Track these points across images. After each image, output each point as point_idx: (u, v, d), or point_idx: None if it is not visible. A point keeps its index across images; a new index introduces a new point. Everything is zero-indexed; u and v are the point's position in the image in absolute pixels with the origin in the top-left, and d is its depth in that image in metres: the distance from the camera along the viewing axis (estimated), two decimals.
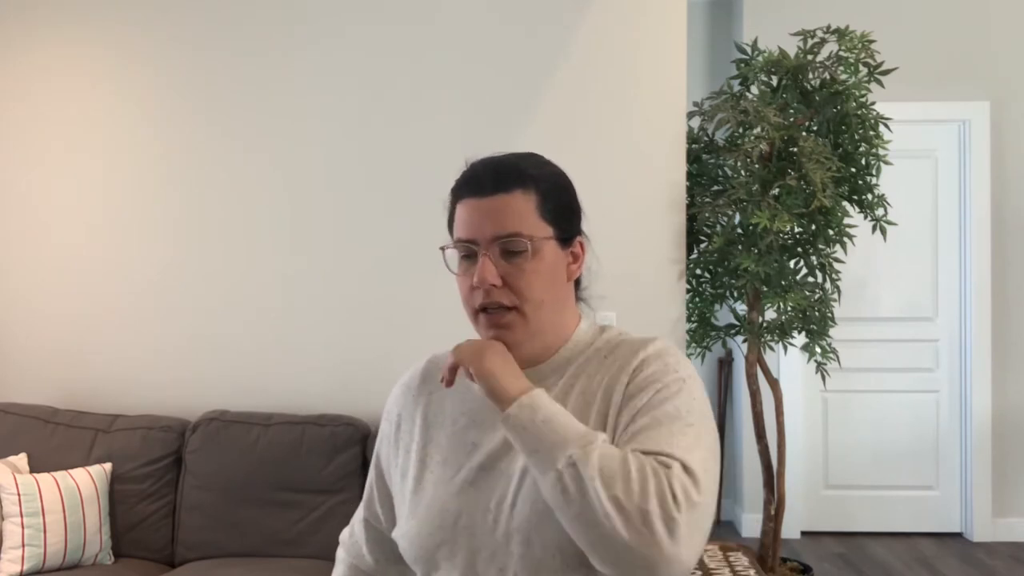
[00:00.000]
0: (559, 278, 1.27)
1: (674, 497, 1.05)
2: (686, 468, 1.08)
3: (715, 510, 1.17)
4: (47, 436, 3.14)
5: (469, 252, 1.25)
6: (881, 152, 3.35)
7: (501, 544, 1.21)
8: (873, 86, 3.33)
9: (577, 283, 1.36)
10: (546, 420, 1.12)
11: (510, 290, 1.23)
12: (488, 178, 1.25)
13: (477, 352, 1.20)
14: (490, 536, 1.22)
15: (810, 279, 3.37)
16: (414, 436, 1.35)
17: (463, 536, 1.23)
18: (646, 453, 1.10)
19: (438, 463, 1.30)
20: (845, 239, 3.32)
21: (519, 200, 1.24)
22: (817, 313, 3.32)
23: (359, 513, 1.49)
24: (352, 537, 1.51)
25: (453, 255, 1.28)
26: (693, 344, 3.58)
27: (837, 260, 3.37)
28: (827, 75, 3.31)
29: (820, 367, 3.42)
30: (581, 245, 1.31)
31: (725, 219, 3.34)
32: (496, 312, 1.23)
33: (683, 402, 1.18)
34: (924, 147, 4.91)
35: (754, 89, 3.47)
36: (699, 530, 1.08)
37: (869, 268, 4.81)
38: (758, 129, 3.20)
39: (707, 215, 3.30)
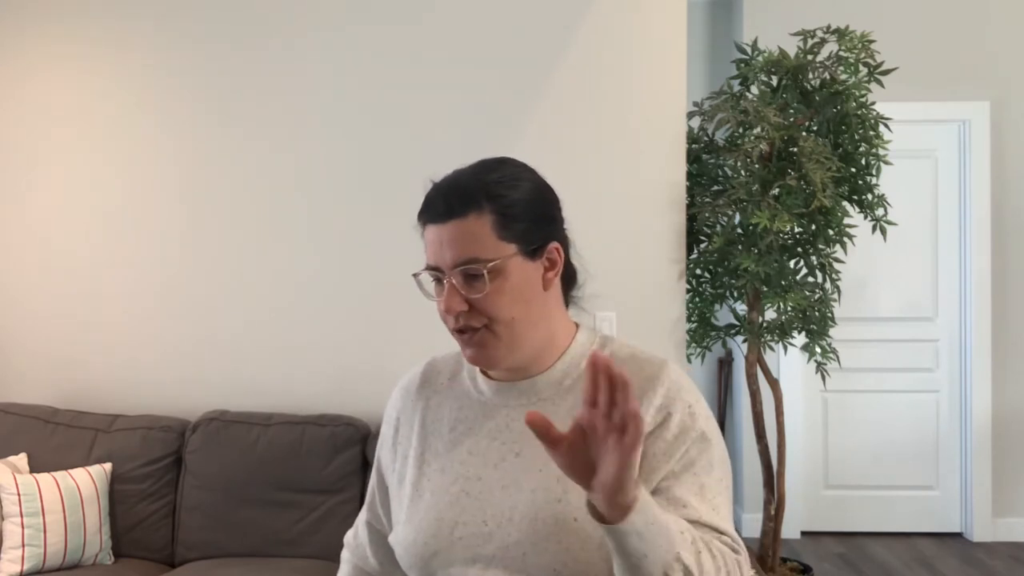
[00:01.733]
0: (531, 291, 1.25)
1: None
2: (737, 543, 1.19)
3: None
4: (47, 436, 3.14)
5: (437, 278, 1.25)
6: (881, 152, 3.35)
7: (496, 557, 1.21)
8: (873, 86, 3.33)
9: (570, 284, 1.34)
10: (654, 521, 1.06)
11: (479, 312, 1.23)
12: (442, 203, 1.23)
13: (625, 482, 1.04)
14: (484, 548, 1.22)
15: (810, 279, 3.37)
16: (412, 441, 1.35)
17: (458, 546, 1.23)
18: (701, 525, 1.17)
19: (436, 471, 1.30)
20: (845, 239, 3.32)
21: (473, 224, 1.21)
22: (817, 313, 3.32)
23: (362, 515, 1.49)
24: (356, 539, 1.51)
25: (427, 278, 1.28)
26: (693, 344, 3.58)
27: (837, 260, 3.36)
28: (827, 75, 3.31)
29: (820, 367, 3.41)
30: (557, 251, 1.28)
31: (725, 219, 3.34)
32: (469, 332, 1.24)
33: (712, 454, 1.23)
34: (924, 147, 4.91)
35: (754, 89, 3.47)
36: None
37: (869, 268, 4.81)
38: (758, 129, 3.20)
39: (707, 215, 3.29)
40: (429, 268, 1.25)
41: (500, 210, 1.22)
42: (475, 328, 1.23)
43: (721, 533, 1.18)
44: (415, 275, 1.30)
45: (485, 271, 1.20)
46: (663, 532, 1.06)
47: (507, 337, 1.23)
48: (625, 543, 1.04)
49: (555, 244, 1.28)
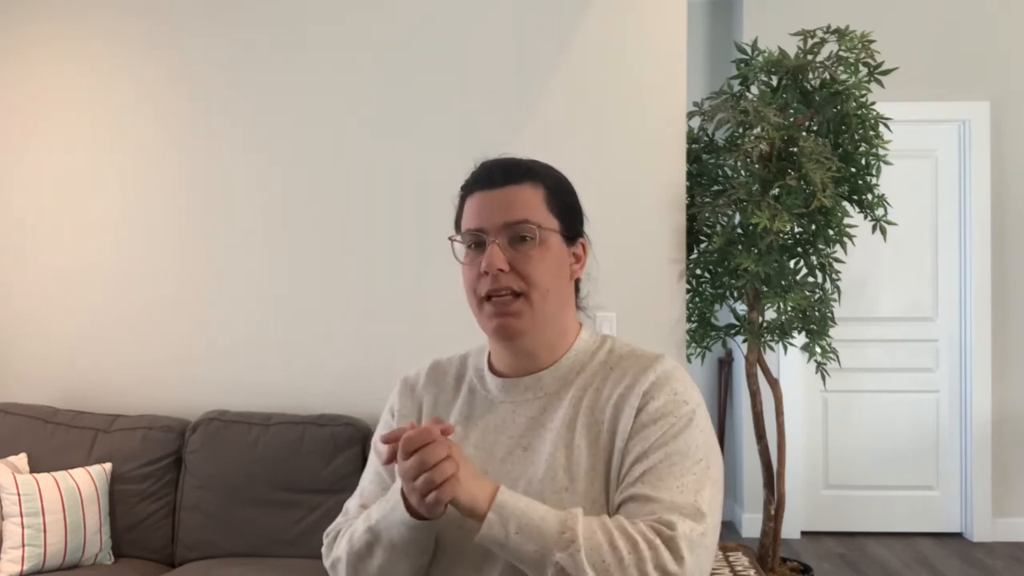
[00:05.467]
0: (563, 273, 1.30)
1: (679, 559, 1.11)
2: (693, 516, 1.15)
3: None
4: (47, 436, 3.14)
5: (477, 241, 1.28)
6: (881, 152, 3.35)
7: None
8: (873, 86, 3.33)
9: (577, 290, 1.38)
10: (519, 530, 1.12)
11: (517, 275, 1.25)
12: (499, 172, 1.30)
13: (442, 492, 1.12)
14: None
15: (810, 279, 3.37)
16: None
17: (467, 542, 1.23)
18: (652, 501, 1.15)
19: None
20: (845, 239, 3.32)
21: (528, 191, 1.28)
22: (817, 313, 3.32)
23: (354, 500, 1.40)
24: (348, 521, 1.42)
25: (460, 249, 1.32)
26: (693, 344, 3.58)
27: (837, 260, 3.37)
28: (827, 75, 3.31)
29: (820, 367, 3.41)
30: (584, 247, 1.35)
31: (725, 219, 3.34)
32: (502, 300, 1.25)
33: (692, 437, 1.22)
34: (924, 147, 4.91)
35: (754, 89, 3.47)
36: (707, 560, 1.16)
37: (869, 268, 4.81)
38: (758, 129, 3.20)
39: (707, 215, 3.30)
40: (470, 231, 1.28)
41: (551, 187, 1.31)
42: (511, 293, 1.25)
43: (676, 511, 1.14)
44: (451, 239, 1.33)
45: (537, 231, 1.26)
46: (533, 537, 1.12)
47: (539, 308, 1.26)
48: (493, 550, 1.16)
49: (583, 240, 1.35)
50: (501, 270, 1.24)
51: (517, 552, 1.13)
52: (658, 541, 1.12)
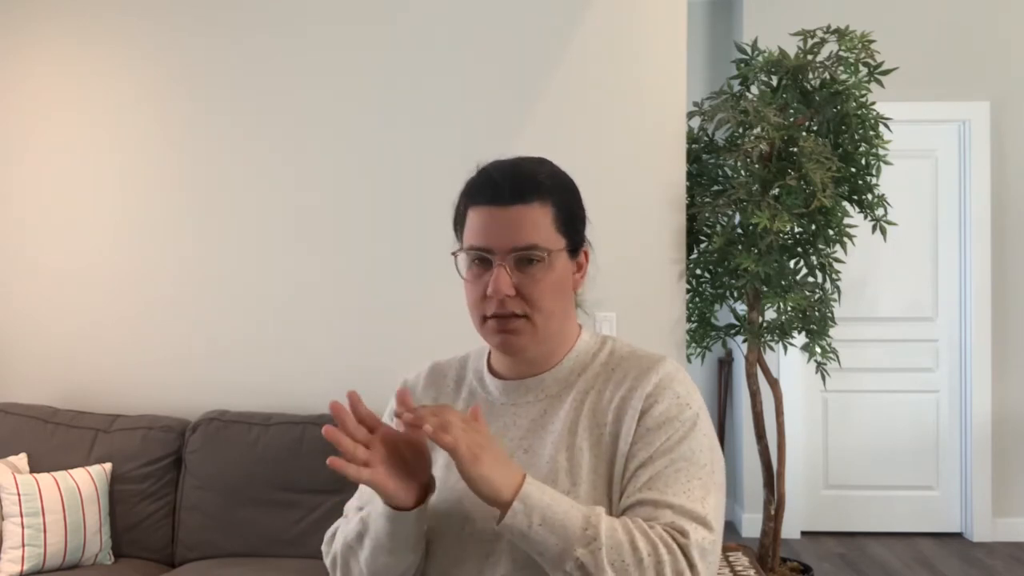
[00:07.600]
0: (566, 288, 1.29)
1: (691, 566, 1.12)
2: (704, 523, 1.15)
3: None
4: (47, 436, 3.14)
5: (482, 259, 1.25)
6: (881, 152, 3.35)
7: (507, 552, 1.21)
8: (873, 86, 3.33)
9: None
10: (543, 522, 1.11)
11: (522, 299, 1.23)
12: (506, 186, 1.24)
13: (474, 456, 1.11)
14: (496, 543, 1.22)
15: (810, 279, 3.37)
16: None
17: (469, 542, 1.24)
18: (662, 506, 1.15)
19: (441, 467, 1.30)
20: (845, 239, 3.32)
21: (537, 212, 1.24)
22: (817, 313, 3.32)
23: (353, 503, 1.41)
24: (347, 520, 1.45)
25: (462, 260, 1.28)
26: (693, 344, 3.58)
27: (837, 260, 3.37)
28: (827, 75, 3.31)
29: (820, 367, 3.42)
30: (586, 254, 1.33)
31: (725, 219, 3.35)
32: (505, 318, 1.24)
33: (697, 442, 1.21)
34: (924, 147, 4.91)
35: (754, 89, 3.47)
36: (715, 568, 1.17)
37: (869, 268, 4.81)
38: (758, 129, 3.20)
39: (707, 215, 3.30)
40: (475, 249, 1.25)
41: (559, 204, 1.26)
42: (515, 315, 1.24)
43: (687, 516, 1.15)
44: (454, 254, 1.30)
45: (546, 257, 1.23)
46: (555, 531, 1.11)
47: (542, 328, 1.26)
48: (515, 543, 1.14)
49: (585, 248, 1.33)
50: (508, 295, 1.22)
51: (538, 544, 1.12)
52: (675, 546, 1.12)
